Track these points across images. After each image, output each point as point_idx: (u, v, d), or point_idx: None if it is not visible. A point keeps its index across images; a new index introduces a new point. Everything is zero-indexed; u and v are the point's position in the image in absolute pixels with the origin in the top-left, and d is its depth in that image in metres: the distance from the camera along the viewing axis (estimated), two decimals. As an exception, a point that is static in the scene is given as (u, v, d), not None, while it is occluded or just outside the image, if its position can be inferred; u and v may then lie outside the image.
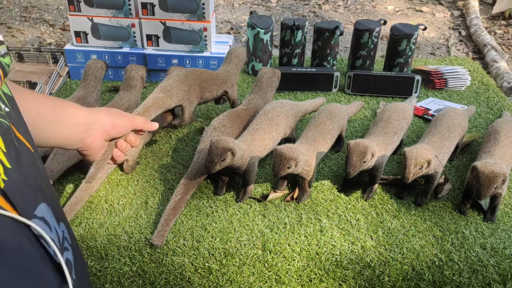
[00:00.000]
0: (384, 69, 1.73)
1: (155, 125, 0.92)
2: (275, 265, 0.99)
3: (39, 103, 0.71)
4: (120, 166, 1.20)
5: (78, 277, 0.51)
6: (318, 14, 3.41)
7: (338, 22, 1.70)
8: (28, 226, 0.43)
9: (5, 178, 0.42)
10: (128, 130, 0.87)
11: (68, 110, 0.76)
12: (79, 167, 1.20)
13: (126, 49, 1.62)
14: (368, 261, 0.99)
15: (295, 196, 1.13)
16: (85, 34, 1.60)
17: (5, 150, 0.43)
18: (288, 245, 1.01)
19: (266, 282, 0.99)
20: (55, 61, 1.67)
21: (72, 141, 0.78)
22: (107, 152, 0.87)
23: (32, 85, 1.47)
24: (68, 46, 1.64)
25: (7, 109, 0.47)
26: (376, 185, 1.14)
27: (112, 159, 0.89)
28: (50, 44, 2.87)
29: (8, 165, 0.43)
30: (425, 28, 1.68)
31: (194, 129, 1.40)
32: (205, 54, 1.61)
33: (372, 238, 1.03)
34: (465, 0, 3.48)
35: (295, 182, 1.17)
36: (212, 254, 0.99)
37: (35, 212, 0.45)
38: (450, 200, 1.14)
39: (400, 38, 1.64)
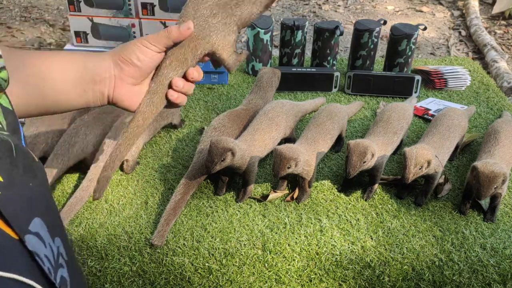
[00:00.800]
0: (384, 69, 1.73)
1: (186, 26, 0.73)
2: (275, 265, 0.99)
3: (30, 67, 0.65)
4: (120, 166, 1.20)
5: None
6: (318, 14, 3.41)
7: (338, 22, 1.70)
8: (22, 243, 0.41)
9: None
10: (154, 56, 0.72)
11: (51, 67, 0.67)
12: (79, 167, 1.21)
13: (126, 49, 1.62)
14: (368, 261, 0.99)
15: (295, 196, 1.13)
16: (85, 34, 1.60)
17: None
18: (288, 245, 1.01)
19: (266, 282, 0.99)
20: (55, 61, 1.66)
21: (80, 101, 0.70)
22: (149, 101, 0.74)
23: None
24: (68, 46, 1.63)
25: (4, 122, 0.47)
26: (376, 185, 1.14)
27: (169, 102, 0.77)
28: (50, 44, 2.87)
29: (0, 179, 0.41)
30: (425, 28, 1.68)
31: (194, 129, 1.40)
32: (205, 54, 1.61)
33: (372, 238, 1.03)
34: (465, 0, 3.48)
35: (295, 182, 1.17)
36: (212, 254, 0.99)
37: (30, 227, 0.43)
38: (450, 200, 1.14)
39: (400, 38, 1.64)
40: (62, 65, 0.68)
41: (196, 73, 0.76)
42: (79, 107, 0.72)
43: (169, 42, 0.73)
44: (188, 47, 0.74)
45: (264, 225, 1.05)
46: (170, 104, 0.78)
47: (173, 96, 0.76)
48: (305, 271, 1.00)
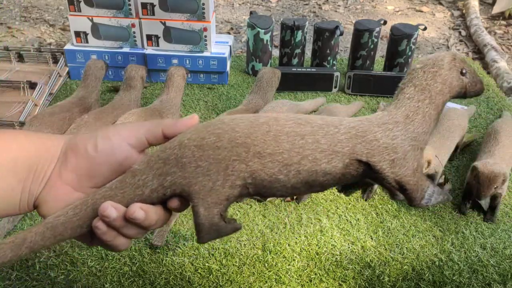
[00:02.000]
0: (384, 69, 1.73)
1: (191, 116, 0.55)
2: (275, 265, 0.99)
3: None
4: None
5: None
6: (318, 14, 3.41)
7: (338, 22, 1.70)
8: None
9: None
10: (121, 150, 0.48)
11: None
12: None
13: (126, 49, 1.62)
14: (368, 261, 0.99)
15: (295, 196, 1.13)
16: (85, 34, 1.60)
17: None
18: (288, 245, 1.01)
19: (266, 282, 0.99)
20: (55, 61, 1.66)
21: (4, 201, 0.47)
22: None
23: (32, 85, 1.47)
24: (68, 46, 1.63)
25: None
26: (376, 185, 1.14)
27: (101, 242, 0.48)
28: (50, 44, 2.87)
29: None
30: (425, 28, 1.68)
31: (194, 129, 1.40)
32: (205, 54, 1.61)
33: (372, 238, 1.03)
34: (465, 0, 3.48)
35: (295, 182, 1.17)
36: (212, 254, 0.99)
37: None
38: (450, 200, 1.14)
39: (400, 38, 1.64)
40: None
41: (142, 212, 0.47)
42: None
43: (157, 131, 0.51)
44: (160, 166, 0.49)
45: (264, 225, 1.05)
46: (97, 239, 0.48)
47: (99, 228, 0.46)
48: (305, 271, 1.00)
